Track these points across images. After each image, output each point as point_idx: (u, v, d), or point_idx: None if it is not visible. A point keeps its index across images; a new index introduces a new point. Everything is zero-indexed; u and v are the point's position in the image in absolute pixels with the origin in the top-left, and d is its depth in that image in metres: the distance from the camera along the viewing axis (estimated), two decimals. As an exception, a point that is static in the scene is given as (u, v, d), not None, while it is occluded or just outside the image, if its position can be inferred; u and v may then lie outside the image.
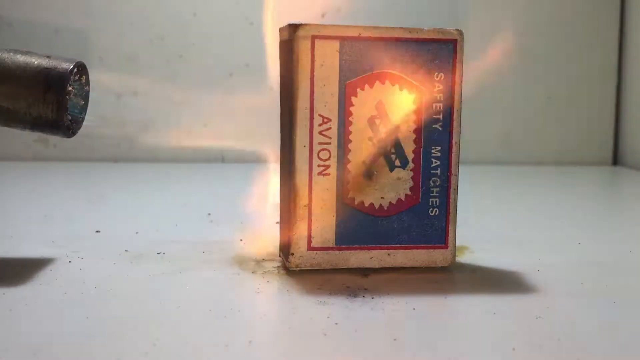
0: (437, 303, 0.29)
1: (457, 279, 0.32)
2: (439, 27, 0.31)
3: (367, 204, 0.31)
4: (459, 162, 0.32)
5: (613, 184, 0.73)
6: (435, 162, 0.32)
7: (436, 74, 0.31)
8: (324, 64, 0.30)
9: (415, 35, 0.31)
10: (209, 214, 0.46)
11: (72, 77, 0.30)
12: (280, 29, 0.33)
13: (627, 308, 0.29)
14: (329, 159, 0.31)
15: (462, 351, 0.24)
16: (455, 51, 0.31)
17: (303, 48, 0.30)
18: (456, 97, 0.31)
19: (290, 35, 0.30)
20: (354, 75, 0.31)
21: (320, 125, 0.31)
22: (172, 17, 0.75)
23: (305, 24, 0.30)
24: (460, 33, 0.31)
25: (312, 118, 0.31)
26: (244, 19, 0.76)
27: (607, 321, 0.27)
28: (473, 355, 0.24)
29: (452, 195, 0.32)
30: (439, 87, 0.31)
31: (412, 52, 0.31)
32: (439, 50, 0.31)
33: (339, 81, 0.31)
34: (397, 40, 0.31)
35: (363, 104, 0.31)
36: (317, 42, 0.30)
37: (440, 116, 0.31)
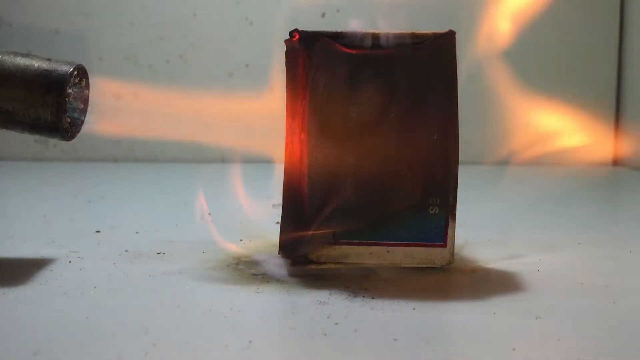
0: (437, 303, 0.29)
1: (457, 278, 0.32)
2: (438, 25, 0.31)
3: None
4: (458, 161, 0.32)
5: (613, 184, 0.73)
6: (436, 161, 0.32)
7: (433, 74, 0.31)
8: (328, 71, 0.31)
9: (410, 40, 0.31)
10: (209, 214, 0.46)
11: (71, 80, 0.30)
12: (286, 41, 0.33)
13: (627, 308, 0.29)
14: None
15: (462, 351, 0.24)
16: (452, 52, 0.31)
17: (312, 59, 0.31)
18: (454, 97, 0.31)
19: (296, 46, 0.31)
20: (357, 80, 0.31)
21: (325, 126, 0.31)
22: (172, 17, 0.75)
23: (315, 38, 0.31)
24: (454, 34, 0.31)
25: (317, 120, 0.31)
26: (244, 19, 0.76)
27: (607, 321, 0.27)
28: (473, 355, 0.24)
29: (452, 195, 0.32)
30: (437, 87, 0.31)
31: (409, 55, 0.31)
32: (435, 52, 0.31)
33: (345, 86, 0.31)
34: (395, 47, 0.31)
35: (366, 104, 0.31)
36: (320, 50, 0.31)
37: (440, 115, 0.31)
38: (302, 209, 0.31)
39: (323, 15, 0.74)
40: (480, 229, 0.42)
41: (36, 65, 0.30)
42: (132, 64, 0.75)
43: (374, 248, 0.32)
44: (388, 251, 0.32)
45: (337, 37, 0.31)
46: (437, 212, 0.32)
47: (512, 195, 0.60)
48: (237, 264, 0.34)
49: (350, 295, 0.29)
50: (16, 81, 0.30)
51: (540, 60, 0.79)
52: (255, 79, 0.76)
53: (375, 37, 0.31)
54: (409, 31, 0.31)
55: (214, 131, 0.76)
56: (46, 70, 0.30)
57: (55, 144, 0.74)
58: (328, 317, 0.26)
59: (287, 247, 0.32)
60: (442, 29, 0.31)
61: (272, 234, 0.36)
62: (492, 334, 0.26)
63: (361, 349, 0.24)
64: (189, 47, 0.75)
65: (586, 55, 0.79)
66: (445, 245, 0.32)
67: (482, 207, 0.51)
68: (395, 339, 0.25)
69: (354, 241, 0.32)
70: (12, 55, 0.31)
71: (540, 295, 0.30)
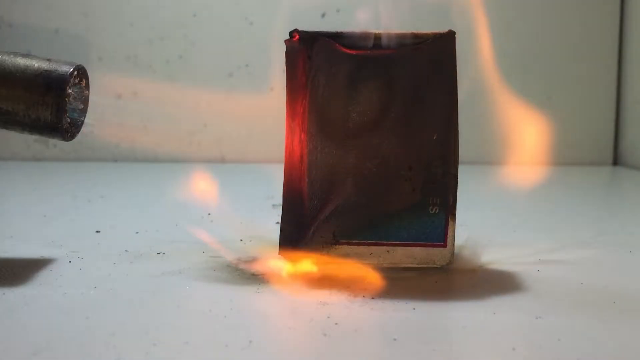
0: (437, 303, 0.29)
1: (457, 278, 0.32)
2: (439, 25, 0.31)
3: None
4: (458, 162, 0.32)
5: (613, 184, 0.73)
6: (436, 161, 0.32)
7: (433, 74, 0.31)
8: (328, 71, 0.31)
9: (410, 40, 0.31)
10: (209, 214, 0.46)
11: (71, 80, 0.30)
12: (286, 41, 0.33)
13: (627, 308, 0.29)
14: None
15: (462, 351, 0.24)
16: (452, 52, 0.31)
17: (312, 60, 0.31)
18: (454, 97, 0.31)
19: (296, 46, 0.31)
20: (357, 80, 0.31)
21: (325, 126, 0.31)
22: (172, 17, 0.75)
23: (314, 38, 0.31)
24: (454, 34, 0.31)
25: (317, 120, 0.31)
26: (244, 19, 0.76)
27: (607, 321, 0.27)
28: (473, 355, 0.24)
29: (452, 195, 0.32)
30: (437, 87, 0.31)
31: (409, 55, 0.31)
32: (435, 52, 0.31)
33: (345, 86, 0.31)
34: (395, 47, 0.31)
35: (366, 104, 0.31)
36: (320, 50, 0.31)
37: (440, 115, 0.31)
38: (302, 209, 0.31)
39: (323, 15, 0.74)
40: (480, 229, 0.42)
41: (36, 65, 0.30)
42: (132, 64, 0.75)
43: (374, 248, 0.32)
44: (388, 251, 0.32)
45: (337, 37, 0.31)
46: (437, 212, 0.32)
47: (512, 195, 0.60)
48: (237, 264, 0.34)
49: (350, 295, 0.29)
50: (16, 81, 0.30)
51: (541, 59, 0.78)
52: (255, 79, 0.76)
53: (375, 37, 0.31)
54: (409, 31, 0.31)
55: (214, 131, 0.76)
56: (46, 71, 0.30)
57: (55, 144, 0.74)
58: (328, 317, 0.26)
59: (287, 247, 0.32)
60: (442, 28, 0.31)
61: (272, 234, 0.36)
62: (492, 334, 0.26)
63: (361, 349, 0.24)
64: (189, 47, 0.75)
65: (586, 55, 0.79)
66: (445, 245, 0.32)
67: (482, 207, 0.51)
68: (395, 339, 0.25)
69: (354, 241, 0.32)
70: (12, 55, 0.31)
71: (540, 295, 0.30)
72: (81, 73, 0.31)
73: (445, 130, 0.31)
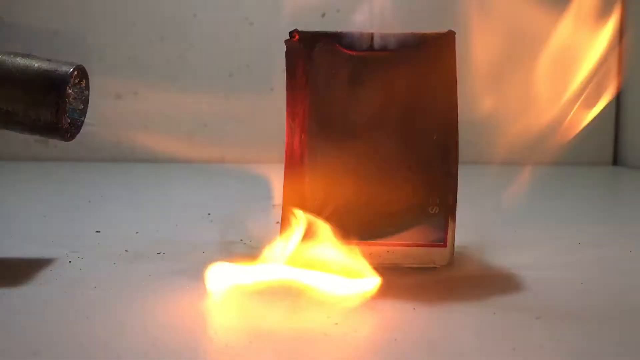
0: (437, 303, 0.29)
1: (457, 279, 0.32)
2: (438, 25, 0.31)
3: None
4: (458, 162, 0.32)
5: (613, 184, 0.73)
6: (436, 161, 0.32)
7: (433, 74, 0.31)
8: (328, 71, 0.31)
9: (410, 40, 0.31)
10: (209, 214, 0.46)
11: (72, 80, 0.30)
12: (286, 41, 0.33)
13: (627, 308, 0.29)
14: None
15: (462, 351, 0.24)
16: (452, 52, 0.31)
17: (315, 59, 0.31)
18: (454, 97, 0.31)
19: (296, 46, 0.31)
20: (357, 80, 0.31)
21: (325, 126, 0.31)
22: (172, 17, 0.75)
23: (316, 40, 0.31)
24: (454, 34, 0.31)
25: (317, 121, 0.31)
26: (244, 19, 0.76)
27: (607, 321, 0.27)
28: (473, 355, 0.24)
29: (452, 195, 0.32)
30: (437, 87, 0.31)
31: (409, 55, 0.31)
32: (435, 52, 0.31)
33: (345, 86, 0.31)
34: (395, 47, 0.31)
35: (366, 104, 0.31)
36: (320, 51, 0.31)
37: (440, 115, 0.31)
38: (302, 209, 0.31)
39: (323, 15, 0.74)
40: (480, 229, 0.42)
41: (36, 65, 0.30)
42: (132, 64, 0.75)
43: (374, 248, 0.32)
44: (388, 251, 0.32)
45: (337, 38, 0.31)
46: (437, 212, 0.32)
47: (512, 195, 0.60)
48: (237, 263, 0.34)
49: (350, 296, 0.29)
50: (16, 82, 0.30)
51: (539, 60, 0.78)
52: (255, 79, 0.76)
53: (375, 37, 0.31)
54: (409, 31, 0.31)
55: (214, 131, 0.76)
56: (46, 71, 0.30)
57: (55, 144, 0.74)
58: (328, 317, 0.26)
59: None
60: (442, 28, 0.32)
61: (272, 234, 0.36)
62: (492, 334, 0.26)
63: (361, 349, 0.24)
64: (189, 47, 0.75)
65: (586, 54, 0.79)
66: (445, 245, 0.32)
67: (482, 207, 0.51)
68: (395, 339, 0.25)
69: (354, 241, 0.32)
70: (12, 56, 0.31)
71: (540, 295, 0.30)
72: (81, 73, 0.31)
73: (444, 130, 0.31)
